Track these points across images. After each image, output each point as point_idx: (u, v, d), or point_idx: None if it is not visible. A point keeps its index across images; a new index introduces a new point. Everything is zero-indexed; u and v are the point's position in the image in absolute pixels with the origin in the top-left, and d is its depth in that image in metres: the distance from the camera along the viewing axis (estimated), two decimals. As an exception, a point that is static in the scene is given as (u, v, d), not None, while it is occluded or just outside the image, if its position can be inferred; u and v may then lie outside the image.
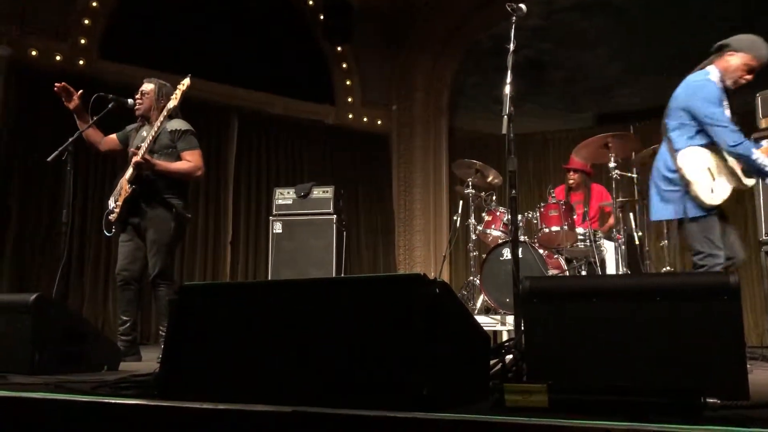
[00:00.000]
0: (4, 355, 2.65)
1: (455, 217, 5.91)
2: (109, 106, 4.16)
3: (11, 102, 6.56)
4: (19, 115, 6.58)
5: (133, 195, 3.97)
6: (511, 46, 2.95)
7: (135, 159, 3.91)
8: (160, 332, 4.19)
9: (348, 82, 8.81)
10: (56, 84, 4.12)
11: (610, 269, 5.25)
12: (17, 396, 1.90)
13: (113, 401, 1.77)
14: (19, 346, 2.74)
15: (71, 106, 4.14)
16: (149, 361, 3.82)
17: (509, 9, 3.04)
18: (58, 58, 6.85)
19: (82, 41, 7.02)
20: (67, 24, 6.97)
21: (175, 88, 4.18)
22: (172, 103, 4.07)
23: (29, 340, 2.75)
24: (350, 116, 8.80)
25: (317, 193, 6.17)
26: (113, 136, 4.33)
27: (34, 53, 6.73)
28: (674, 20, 8.04)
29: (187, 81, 4.13)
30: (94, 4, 7.08)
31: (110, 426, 1.74)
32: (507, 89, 2.84)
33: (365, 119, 8.91)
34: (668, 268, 5.17)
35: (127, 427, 1.72)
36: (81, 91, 4.15)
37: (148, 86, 4.22)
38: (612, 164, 4.79)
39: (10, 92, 6.56)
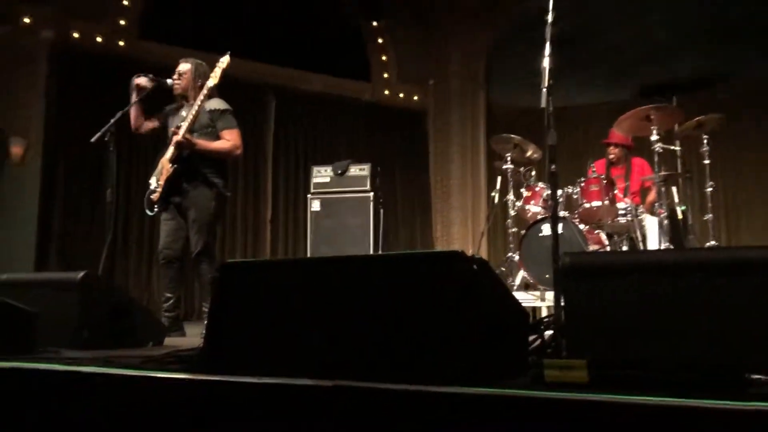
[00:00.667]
0: (55, 331, 2.73)
1: (493, 193, 5.86)
2: (150, 86, 4.21)
3: (55, 84, 6.70)
4: (62, 96, 6.72)
5: (175, 174, 4.03)
6: (550, 18, 2.88)
7: (176, 138, 3.97)
8: (203, 309, 4.28)
9: (384, 58, 8.75)
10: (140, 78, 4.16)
11: (652, 244, 5.16)
12: (70, 370, 1.97)
13: (160, 375, 1.82)
14: (67, 322, 2.82)
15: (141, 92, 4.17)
16: (193, 336, 3.90)
17: (547, -21, 2.97)
18: (98, 39, 6.96)
19: (122, 22, 7.11)
20: (107, 5, 7.07)
21: (211, 67, 4.22)
22: (212, 81, 4.10)
23: (77, 316, 2.84)
24: (386, 92, 8.76)
25: (354, 170, 6.18)
26: (154, 119, 4.38)
27: (75, 35, 6.84)
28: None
29: (226, 59, 4.15)
30: (132, -16, 7.16)
31: (158, 399, 1.79)
32: (546, 62, 2.78)
33: (401, 95, 8.86)
34: (713, 242, 5.06)
35: (174, 400, 1.77)
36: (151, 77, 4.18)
37: (184, 66, 4.26)
38: (654, 137, 4.69)
39: (53, 74, 6.70)
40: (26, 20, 6.52)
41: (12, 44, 6.53)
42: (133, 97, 4.20)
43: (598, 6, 8.38)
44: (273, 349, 1.91)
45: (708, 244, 5.08)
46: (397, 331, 1.75)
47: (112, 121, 4.08)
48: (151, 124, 4.35)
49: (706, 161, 5.04)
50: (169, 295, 4.12)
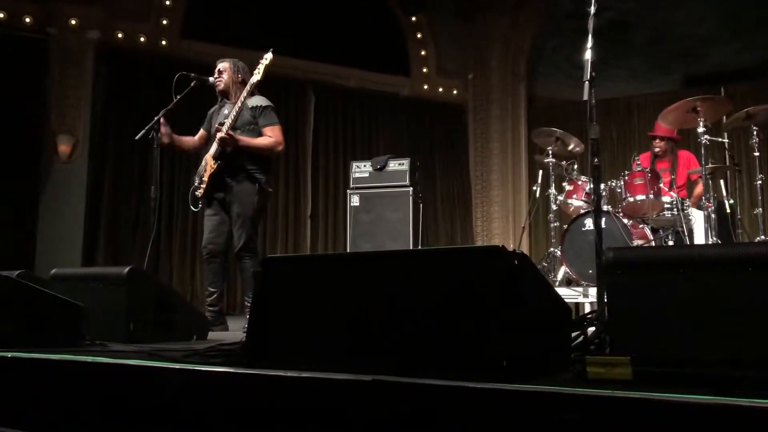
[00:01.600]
0: (102, 325, 2.80)
1: (535, 187, 5.80)
2: (192, 84, 4.26)
3: (101, 83, 6.87)
4: (108, 95, 6.88)
5: (219, 170, 4.08)
6: (592, 9, 2.84)
7: (219, 135, 4.02)
8: (246, 303, 4.32)
9: (423, 53, 8.73)
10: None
11: (699, 239, 5.04)
12: (116, 363, 2.02)
13: (203, 369, 1.85)
14: (115, 316, 2.89)
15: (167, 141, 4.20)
16: (235, 330, 3.96)
17: (590, -30, 2.92)
18: (142, 39, 7.11)
19: (164, 22, 7.25)
20: (150, 6, 7.20)
21: (249, 65, 4.25)
22: (256, 77, 4.13)
23: (124, 310, 2.90)
24: (425, 87, 8.73)
25: (393, 165, 6.17)
26: (201, 132, 4.39)
27: (119, 35, 6.99)
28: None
29: (269, 56, 4.18)
30: (175, -16, 7.29)
31: (201, 391, 1.82)
32: (588, 54, 2.73)
33: (440, 89, 8.83)
34: (762, 237, 4.92)
35: (217, 393, 1.79)
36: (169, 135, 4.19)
37: (223, 64, 4.31)
38: (701, 129, 4.57)
39: (99, 73, 6.86)
40: (73, 22, 6.69)
41: (60, 45, 6.71)
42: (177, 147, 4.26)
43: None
44: (314, 343, 1.93)
45: (758, 239, 4.94)
46: (438, 327, 1.75)
47: (156, 119, 4.14)
48: (199, 141, 4.37)
49: (756, 153, 4.90)
50: (212, 289, 4.18)
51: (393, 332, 1.81)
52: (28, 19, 6.63)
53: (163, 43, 7.20)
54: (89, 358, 2.08)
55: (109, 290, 2.96)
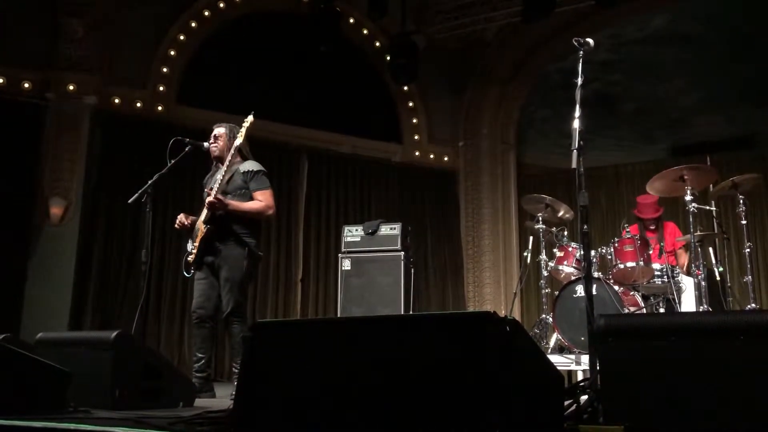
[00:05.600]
0: (88, 391, 2.75)
1: (525, 253, 5.82)
2: (186, 149, 4.32)
3: (95, 146, 6.93)
4: (102, 159, 6.93)
5: (209, 234, 4.08)
6: (579, 81, 2.93)
7: (208, 200, 4.04)
8: (234, 369, 4.26)
9: (414, 121, 8.89)
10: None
11: (690, 306, 5.04)
12: (99, 430, 1.97)
13: (189, 437, 1.81)
14: (100, 381, 2.83)
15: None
16: (223, 397, 3.88)
17: (576, 44, 3.03)
18: (138, 104, 7.21)
19: (161, 88, 7.37)
20: (147, 73, 7.34)
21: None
22: (239, 140, 4.19)
23: (110, 376, 2.85)
24: (417, 154, 8.85)
25: (385, 230, 6.19)
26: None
27: (116, 101, 7.10)
28: (753, 47, 7.81)
29: (250, 118, 4.26)
30: (172, 53, 7.44)
31: (186, 461, 1.77)
32: (576, 124, 2.81)
33: (432, 156, 8.95)
34: (753, 305, 4.93)
35: (202, 463, 1.75)
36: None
37: (219, 130, 4.37)
38: (688, 197, 4.64)
39: (94, 138, 6.93)
40: (71, 88, 6.80)
41: (57, 110, 6.79)
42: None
43: (626, 69, 8.47)
44: (303, 411, 1.89)
45: (748, 306, 4.95)
46: (429, 394, 1.73)
47: (149, 183, 4.17)
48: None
49: (743, 221, 4.96)
50: (200, 355, 4.12)
51: (384, 399, 1.79)
52: (26, 85, 6.73)
53: (159, 108, 7.31)
54: (72, 426, 2.03)
55: (96, 355, 2.91)
